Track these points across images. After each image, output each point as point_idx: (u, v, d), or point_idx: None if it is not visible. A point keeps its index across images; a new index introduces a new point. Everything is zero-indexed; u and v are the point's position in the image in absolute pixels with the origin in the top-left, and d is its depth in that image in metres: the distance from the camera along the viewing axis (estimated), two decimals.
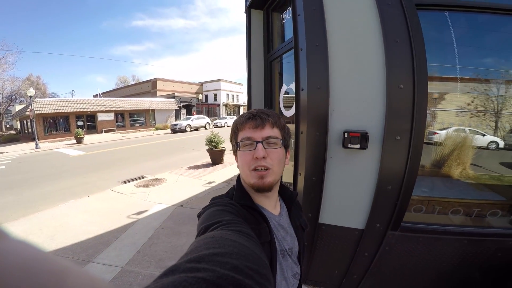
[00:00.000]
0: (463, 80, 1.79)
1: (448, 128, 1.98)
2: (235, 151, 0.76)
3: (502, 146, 1.97)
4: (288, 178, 2.25)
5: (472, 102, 1.92)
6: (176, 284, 0.30)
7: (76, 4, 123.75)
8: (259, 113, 0.72)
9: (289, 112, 2.67)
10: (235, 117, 28.86)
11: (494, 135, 1.98)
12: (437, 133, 1.99)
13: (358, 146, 1.59)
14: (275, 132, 0.72)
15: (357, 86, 1.60)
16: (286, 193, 0.84)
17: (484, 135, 2.03)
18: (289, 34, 2.62)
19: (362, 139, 1.57)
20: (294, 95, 2.56)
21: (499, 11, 1.57)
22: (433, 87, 1.77)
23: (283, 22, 2.76)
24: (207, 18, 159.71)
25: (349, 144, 1.60)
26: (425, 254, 1.77)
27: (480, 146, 2.00)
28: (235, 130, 0.75)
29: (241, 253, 0.41)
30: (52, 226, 3.67)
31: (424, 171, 1.90)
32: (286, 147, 0.75)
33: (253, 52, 3.04)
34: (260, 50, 3.07)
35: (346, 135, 1.62)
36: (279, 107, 2.89)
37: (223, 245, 0.42)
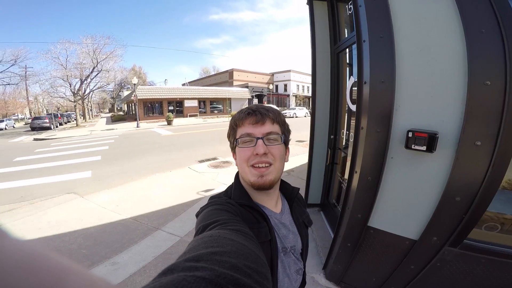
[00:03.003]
0: None
1: None
2: (233, 148, 0.74)
3: None
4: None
5: None
6: (175, 283, 0.31)
7: (160, 2, 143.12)
8: (259, 108, 0.70)
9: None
10: (304, 108, 28.44)
11: None
12: None
13: (423, 148, 1.42)
14: (275, 128, 0.70)
15: (429, 81, 1.41)
16: (287, 189, 0.81)
17: None
18: None
19: (429, 140, 1.40)
20: None
21: None
22: None
23: (349, 13, 2.59)
24: (274, 9, 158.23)
25: (412, 145, 1.45)
26: (483, 279, 1.50)
27: None
28: (234, 126, 0.72)
29: (240, 252, 0.41)
30: (139, 195, 4.48)
31: (506, 184, 1.55)
32: (286, 143, 0.73)
33: (318, 44, 2.95)
34: (326, 42, 2.95)
35: (410, 135, 1.47)
36: (347, 102, 2.77)
37: (222, 244, 0.42)
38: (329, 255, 2.20)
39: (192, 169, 6.12)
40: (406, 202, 1.60)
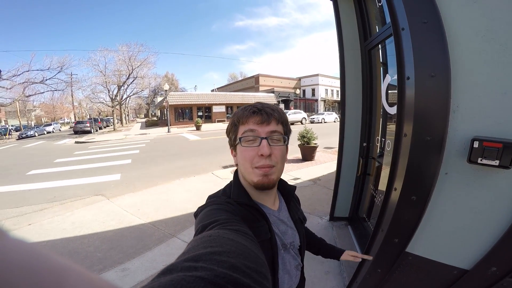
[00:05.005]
0: None
1: None
2: (234, 145, 0.72)
3: None
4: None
5: None
6: (174, 283, 0.30)
7: (191, 12, 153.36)
8: (265, 107, 0.68)
9: (394, 110, 2.18)
10: (333, 113, 27.48)
11: None
12: None
13: (496, 162, 1.06)
14: (279, 128, 0.69)
15: (499, 72, 1.06)
16: (284, 188, 0.82)
17: None
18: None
19: (505, 152, 1.04)
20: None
21: None
22: None
23: (379, 5, 2.25)
24: (297, 14, 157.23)
25: (479, 159, 1.10)
26: None
27: None
28: (236, 123, 0.70)
29: (239, 252, 0.41)
30: (161, 200, 4.46)
31: None
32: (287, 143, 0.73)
33: (345, 41, 2.64)
34: (354, 39, 2.63)
35: (476, 145, 1.12)
36: (382, 104, 2.42)
37: (221, 244, 0.42)
38: (354, 278, 1.91)
39: (215, 174, 6.03)
40: (461, 227, 1.27)
